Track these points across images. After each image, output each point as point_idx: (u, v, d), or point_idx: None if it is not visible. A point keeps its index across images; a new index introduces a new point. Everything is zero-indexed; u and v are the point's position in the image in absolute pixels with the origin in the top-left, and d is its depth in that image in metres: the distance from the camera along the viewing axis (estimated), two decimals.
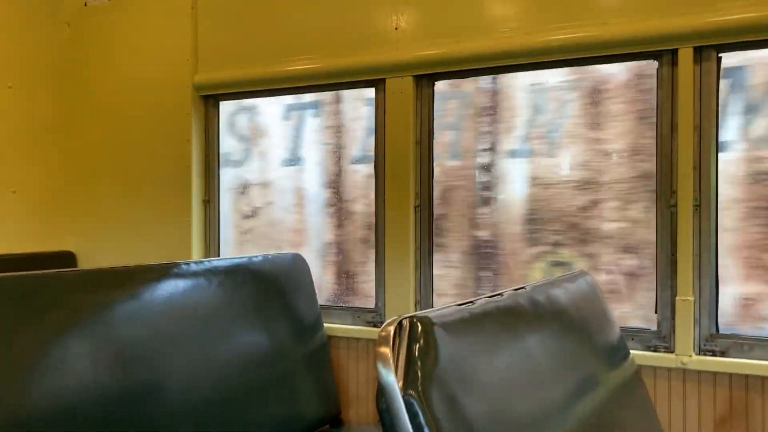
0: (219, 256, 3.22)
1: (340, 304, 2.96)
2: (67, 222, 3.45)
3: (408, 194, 2.71)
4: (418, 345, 1.13)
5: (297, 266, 2.77)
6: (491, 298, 1.52)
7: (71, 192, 3.46)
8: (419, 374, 1.10)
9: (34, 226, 3.34)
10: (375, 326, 2.79)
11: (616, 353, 2.18)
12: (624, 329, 2.34)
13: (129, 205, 3.31)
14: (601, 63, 2.45)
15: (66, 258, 3.41)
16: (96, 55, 3.41)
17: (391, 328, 1.14)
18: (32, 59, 3.31)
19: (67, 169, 3.45)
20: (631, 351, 2.27)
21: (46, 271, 1.93)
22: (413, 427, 1.05)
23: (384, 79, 2.73)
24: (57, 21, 3.42)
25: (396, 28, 2.69)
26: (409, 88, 2.69)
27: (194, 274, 2.32)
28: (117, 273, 2.09)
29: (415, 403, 1.06)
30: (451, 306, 1.35)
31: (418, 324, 1.17)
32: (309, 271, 2.81)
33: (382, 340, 1.12)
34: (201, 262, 2.38)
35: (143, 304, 2.10)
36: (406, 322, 1.17)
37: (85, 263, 3.42)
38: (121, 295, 2.05)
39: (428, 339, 1.16)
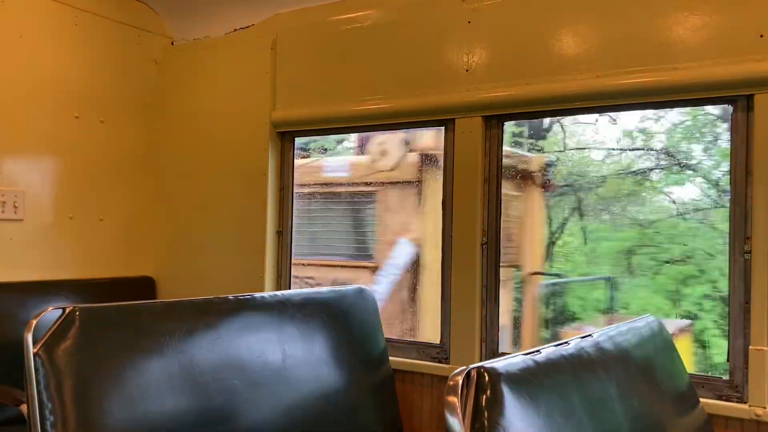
0: (290, 285, 3.33)
1: (406, 339, 3.01)
2: (149, 249, 3.64)
3: (475, 232, 2.75)
4: (485, 396, 1.18)
5: (364, 299, 2.84)
6: (557, 347, 1.55)
7: (153, 221, 3.65)
8: (486, 425, 1.14)
9: (118, 252, 3.53)
10: (440, 362, 2.83)
11: (685, 401, 2.15)
12: (694, 376, 2.31)
13: (206, 235, 3.47)
14: (673, 107, 2.45)
15: (146, 283, 3.60)
16: (181, 92, 3.62)
17: (460, 378, 1.18)
18: (123, 95, 3.54)
19: (150, 199, 3.65)
20: (702, 399, 2.24)
21: (132, 303, 2.06)
22: None
23: (454, 119, 2.80)
24: (146, 59, 3.64)
25: (467, 70, 2.76)
26: (478, 128, 2.74)
27: (268, 306, 2.42)
28: (196, 304, 2.21)
29: None
30: (518, 355, 1.39)
31: (486, 375, 1.21)
32: (376, 304, 2.88)
33: (451, 390, 1.17)
34: (274, 294, 2.48)
35: (220, 333, 2.21)
36: (473, 373, 1.21)
37: (163, 288, 3.60)
38: (199, 324, 2.16)
39: (495, 390, 1.20)
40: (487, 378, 1.21)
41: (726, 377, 2.29)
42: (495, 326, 2.76)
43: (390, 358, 2.85)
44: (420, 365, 2.86)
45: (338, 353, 2.61)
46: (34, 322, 1.76)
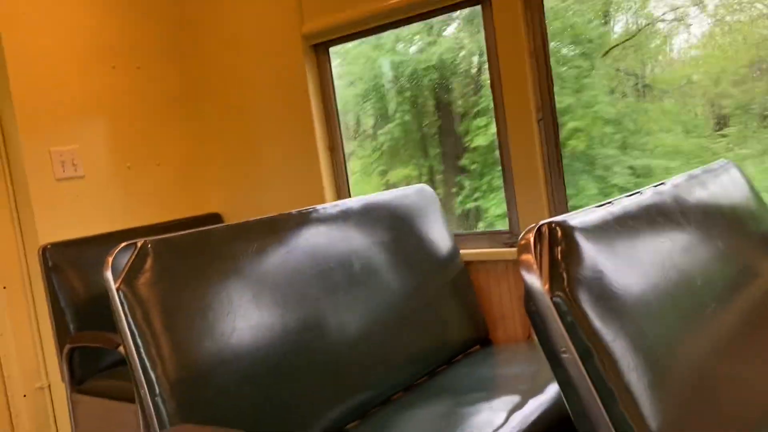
0: (350, 198, 3.32)
1: (473, 231, 2.98)
2: (209, 186, 3.70)
3: (529, 109, 2.65)
4: (559, 248, 1.14)
5: (425, 198, 2.81)
6: (631, 197, 1.49)
7: (207, 157, 3.69)
8: (564, 275, 1.11)
9: (181, 194, 3.60)
10: (511, 246, 2.80)
11: None
12: None
13: (261, 161, 3.48)
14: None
15: (214, 219, 3.67)
16: (208, 23, 3.56)
17: (531, 236, 1.15)
18: (153, 38, 3.51)
19: (200, 137, 3.68)
20: None
21: (201, 229, 2.09)
22: (564, 326, 1.07)
23: None
24: None
25: None
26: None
27: (331, 217, 2.42)
28: (262, 223, 2.23)
29: (563, 303, 1.08)
30: (588, 209, 1.34)
31: (558, 228, 1.17)
32: (437, 201, 2.85)
33: (523, 248, 1.14)
34: (336, 204, 2.48)
35: (290, 248, 2.23)
36: (544, 228, 1.17)
37: (231, 221, 3.66)
38: (269, 241, 2.19)
39: (569, 242, 1.16)
40: (559, 232, 1.17)
41: None
42: (563, 204, 2.69)
43: (461, 251, 2.83)
44: (492, 253, 2.84)
45: (408, 254, 2.61)
46: (110, 259, 1.81)
